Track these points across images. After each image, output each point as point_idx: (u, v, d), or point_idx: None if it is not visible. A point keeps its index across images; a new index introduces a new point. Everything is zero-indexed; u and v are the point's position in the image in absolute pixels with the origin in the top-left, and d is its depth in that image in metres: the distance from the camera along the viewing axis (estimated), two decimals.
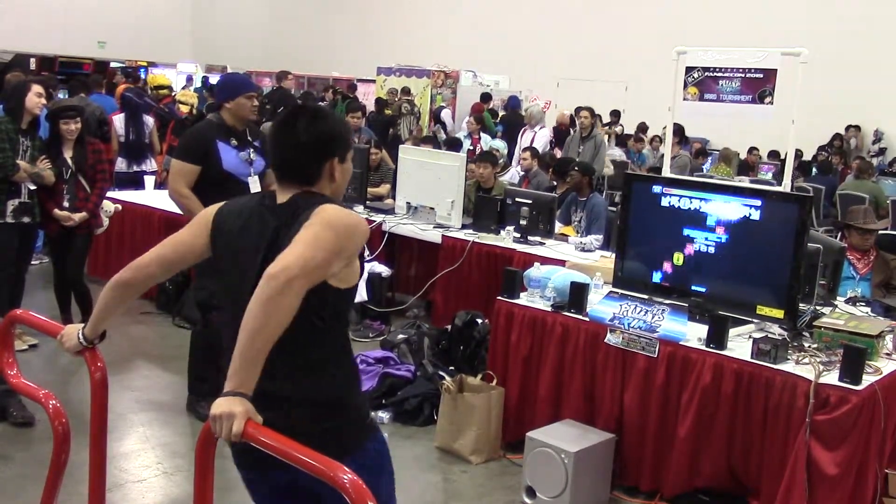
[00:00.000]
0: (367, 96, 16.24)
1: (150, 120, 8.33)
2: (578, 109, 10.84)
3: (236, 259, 2.21)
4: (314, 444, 1.89)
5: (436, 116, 14.96)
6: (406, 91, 14.43)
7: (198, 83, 16.98)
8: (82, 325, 2.42)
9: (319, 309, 2.10)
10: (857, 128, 15.87)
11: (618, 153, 12.93)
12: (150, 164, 8.15)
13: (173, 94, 11.25)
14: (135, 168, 7.99)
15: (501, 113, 14.73)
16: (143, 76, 16.84)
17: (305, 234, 2.02)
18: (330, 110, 2.43)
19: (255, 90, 4.69)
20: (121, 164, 7.98)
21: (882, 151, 15.67)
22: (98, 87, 10.08)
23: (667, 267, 4.39)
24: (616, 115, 15.77)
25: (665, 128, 10.20)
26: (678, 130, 9.27)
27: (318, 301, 2.07)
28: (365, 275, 6.39)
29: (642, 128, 14.85)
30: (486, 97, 14.79)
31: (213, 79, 16.74)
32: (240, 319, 2.04)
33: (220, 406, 1.89)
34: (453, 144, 10.46)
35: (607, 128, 14.61)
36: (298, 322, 1.99)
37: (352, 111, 9.93)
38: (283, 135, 2.24)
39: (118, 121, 8.07)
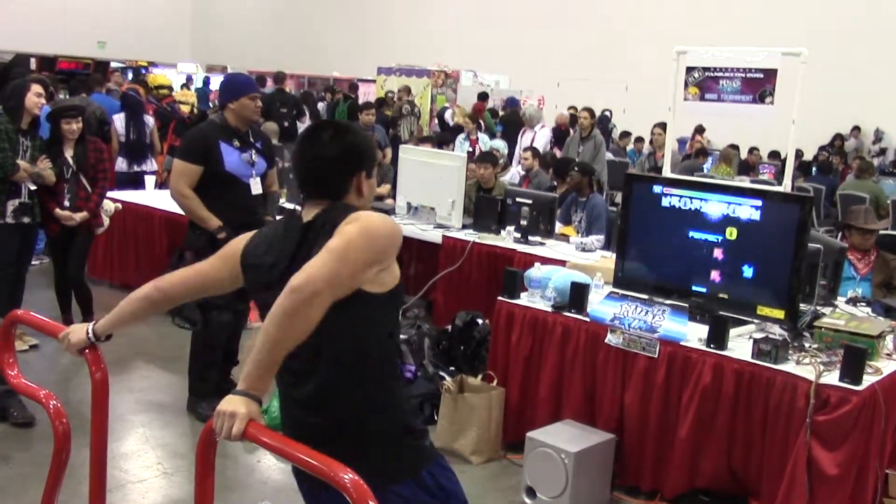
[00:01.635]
0: (367, 96, 16.23)
1: (150, 120, 8.33)
2: (578, 110, 10.85)
3: (268, 283, 2.12)
4: (362, 472, 1.76)
5: (439, 116, 14.96)
6: (407, 91, 14.44)
7: (199, 83, 16.98)
8: (88, 324, 2.43)
9: (349, 316, 2.00)
10: (858, 128, 15.89)
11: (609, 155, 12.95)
12: (151, 164, 8.16)
13: (173, 93, 11.26)
14: (135, 168, 7.99)
15: (501, 113, 14.73)
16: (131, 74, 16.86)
17: (337, 242, 1.94)
18: (354, 124, 2.39)
19: (258, 91, 4.69)
20: (121, 164, 7.99)
21: (883, 151, 15.69)
22: (98, 87, 10.09)
23: (667, 267, 4.39)
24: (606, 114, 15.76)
25: (654, 128, 10.26)
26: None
27: (351, 309, 1.98)
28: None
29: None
30: (483, 96, 14.79)
31: (214, 79, 16.77)
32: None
33: (227, 403, 1.89)
34: (444, 140, 10.45)
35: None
36: (330, 334, 1.95)
37: (366, 109, 9.95)
38: (309, 150, 2.17)
39: (119, 120, 8.07)
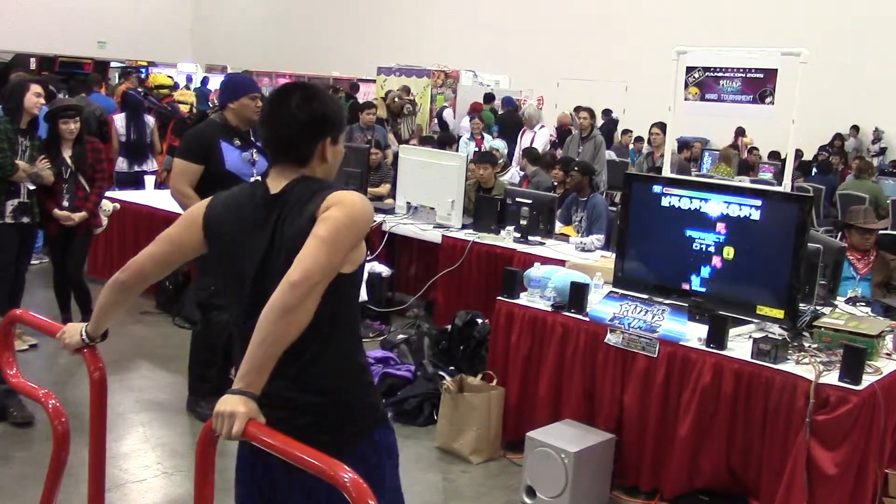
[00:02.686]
0: (367, 96, 16.23)
1: (150, 120, 8.32)
2: (578, 109, 10.85)
3: (235, 255, 2.16)
4: (320, 432, 1.88)
5: (438, 116, 14.96)
6: (406, 91, 14.43)
7: (197, 83, 16.98)
8: (84, 323, 2.42)
9: (327, 296, 2.00)
10: (856, 128, 15.89)
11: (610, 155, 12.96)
12: (151, 164, 8.16)
13: (173, 93, 11.27)
14: (135, 168, 7.99)
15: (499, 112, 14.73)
16: (142, 75, 16.83)
17: (327, 230, 1.96)
18: (323, 89, 2.38)
19: (259, 91, 4.69)
20: (121, 164, 7.99)
21: (882, 151, 15.69)
22: (98, 87, 10.09)
23: (667, 267, 4.39)
24: (607, 113, 15.77)
25: (652, 128, 10.25)
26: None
27: (328, 290, 1.99)
28: (365, 275, 6.44)
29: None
30: (489, 97, 14.73)
31: (214, 79, 16.77)
32: (241, 315, 2.07)
33: (224, 403, 1.89)
34: (446, 141, 10.46)
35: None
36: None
37: (367, 108, 9.95)
38: (277, 112, 2.18)
39: (119, 120, 8.07)
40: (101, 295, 2.33)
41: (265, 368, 1.91)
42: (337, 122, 2.22)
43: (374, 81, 16.94)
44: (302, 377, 2.10)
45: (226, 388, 1.96)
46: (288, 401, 2.10)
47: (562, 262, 5.18)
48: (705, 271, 4.26)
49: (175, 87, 12.99)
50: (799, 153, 12.23)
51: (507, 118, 13.32)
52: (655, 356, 3.91)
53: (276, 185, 2.15)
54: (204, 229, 2.21)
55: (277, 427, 1.91)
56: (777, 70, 5.06)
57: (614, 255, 4.80)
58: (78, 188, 5.50)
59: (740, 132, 15.38)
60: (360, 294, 2.30)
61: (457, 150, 10.28)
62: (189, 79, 18.89)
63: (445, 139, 10.70)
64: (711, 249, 4.22)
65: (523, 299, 4.47)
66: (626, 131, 15.01)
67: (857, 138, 16.09)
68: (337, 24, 23.31)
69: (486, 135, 11.63)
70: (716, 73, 5.30)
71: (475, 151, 10.09)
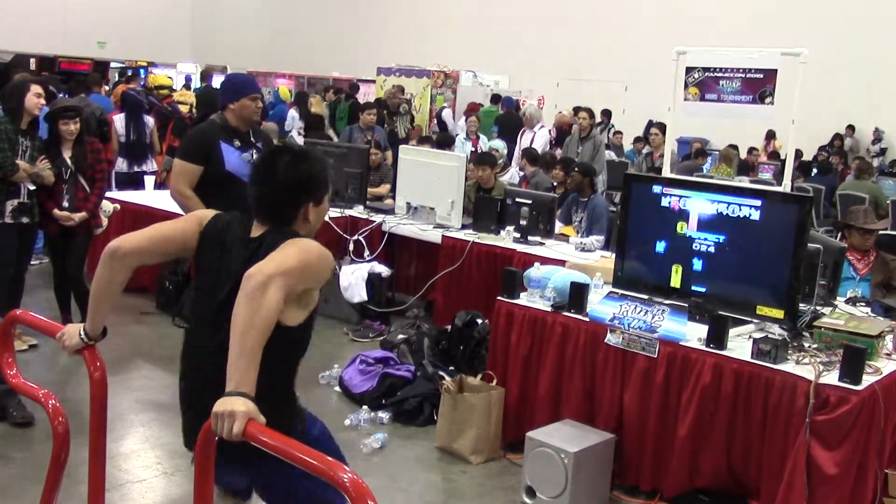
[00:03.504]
0: (367, 96, 16.23)
1: (150, 120, 8.32)
2: (577, 110, 10.85)
3: (210, 275, 2.31)
4: None
5: (437, 117, 14.95)
6: (401, 90, 14.42)
7: (197, 83, 16.95)
8: (82, 324, 2.43)
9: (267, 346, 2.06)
10: (852, 127, 15.87)
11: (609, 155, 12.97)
12: (151, 165, 8.15)
13: (173, 94, 11.26)
14: (135, 168, 7.98)
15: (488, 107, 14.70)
16: (141, 76, 16.83)
17: (277, 252, 2.13)
18: (311, 150, 2.51)
19: (259, 91, 4.69)
20: (121, 165, 7.98)
21: (883, 152, 15.68)
22: (97, 87, 10.08)
23: (666, 267, 4.39)
24: (607, 114, 15.76)
25: (651, 128, 10.27)
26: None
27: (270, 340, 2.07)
28: (365, 275, 6.46)
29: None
30: (496, 99, 14.67)
31: (215, 79, 16.72)
32: (202, 329, 2.26)
33: (223, 404, 1.90)
34: (444, 142, 10.45)
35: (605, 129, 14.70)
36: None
37: (367, 108, 9.97)
38: (263, 174, 2.31)
39: (118, 120, 8.06)
40: (96, 274, 2.38)
41: (248, 363, 1.96)
42: (321, 185, 2.35)
43: (373, 81, 16.94)
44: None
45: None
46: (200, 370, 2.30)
47: (562, 263, 5.18)
48: (705, 271, 4.26)
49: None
50: (799, 153, 12.22)
51: (506, 118, 13.32)
52: (655, 356, 3.91)
53: (257, 229, 2.32)
54: (200, 237, 2.36)
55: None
56: (777, 70, 5.06)
57: (614, 256, 4.80)
58: (78, 188, 5.50)
59: (771, 135, 15.34)
60: (301, 356, 2.39)
61: (453, 150, 10.27)
62: (188, 79, 18.85)
63: (443, 140, 10.70)
64: (712, 249, 4.23)
65: (523, 299, 4.47)
66: (617, 132, 15.01)
67: (854, 138, 16.08)
68: (337, 24, 23.30)
69: (482, 135, 11.63)
70: (715, 74, 5.30)
71: (472, 151, 10.08)
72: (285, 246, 2.16)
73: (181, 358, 2.42)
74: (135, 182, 7.76)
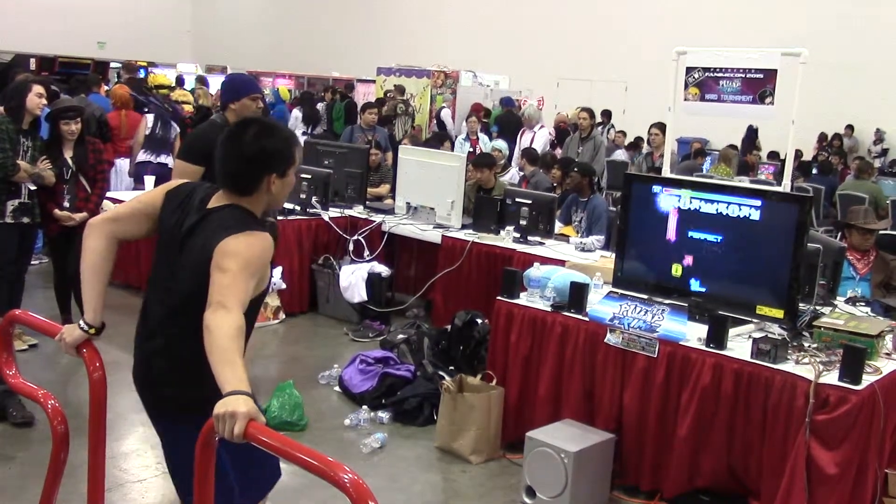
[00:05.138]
0: (367, 96, 16.22)
1: (176, 128, 8.32)
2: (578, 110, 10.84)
3: (165, 238, 2.43)
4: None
5: (437, 117, 14.93)
6: (401, 90, 14.38)
7: (190, 84, 16.90)
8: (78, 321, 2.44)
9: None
10: (851, 127, 15.87)
11: (622, 155, 12.96)
12: (169, 159, 8.11)
13: (172, 93, 11.25)
14: (159, 159, 7.95)
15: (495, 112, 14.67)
16: (141, 75, 16.76)
17: (220, 277, 2.17)
18: (279, 124, 2.56)
19: (260, 91, 4.69)
20: (144, 156, 7.98)
21: (884, 152, 15.68)
22: (97, 87, 10.08)
23: (666, 267, 4.39)
24: (607, 115, 15.75)
25: (651, 128, 10.26)
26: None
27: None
28: (365, 274, 6.46)
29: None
30: (508, 101, 14.54)
31: (214, 79, 16.71)
32: (157, 289, 2.46)
33: (224, 405, 1.90)
34: (440, 139, 10.43)
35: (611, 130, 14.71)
36: (198, 312, 2.13)
37: (368, 108, 9.97)
38: (230, 146, 2.37)
39: (149, 118, 8.11)
40: (82, 254, 2.44)
41: (232, 366, 2.02)
42: (286, 159, 2.40)
43: (373, 81, 16.93)
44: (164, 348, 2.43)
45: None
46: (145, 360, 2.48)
47: (562, 263, 5.18)
48: (705, 271, 4.26)
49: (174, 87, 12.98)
50: (799, 153, 12.22)
51: (506, 118, 13.30)
52: (655, 356, 3.91)
53: (217, 200, 2.39)
54: (163, 199, 2.46)
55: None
56: (777, 70, 5.06)
57: (614, 255, 4.80)
58: (79, 189, 5.51)
59: (822, 138, 15.29)
60: (249, 330, 2.48)
61: (451, 150, 10.26)
62: (181, 80, 18.75)
63: (439, 137, 10.68)
64: (711, 249, 4.22)
65: (523, 299, 4.47)
66: (619, 132, 15.01)
67: (853, 138, 16.08)
68: (337, 24, 23.30)
69: (482, 135, 11.61)
70: (716, 74, 5.30)
71: (469, 152, 10.08)
72: (223, 250, 2.20)
73: (139, 317, 2.53)
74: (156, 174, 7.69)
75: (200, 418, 2.06)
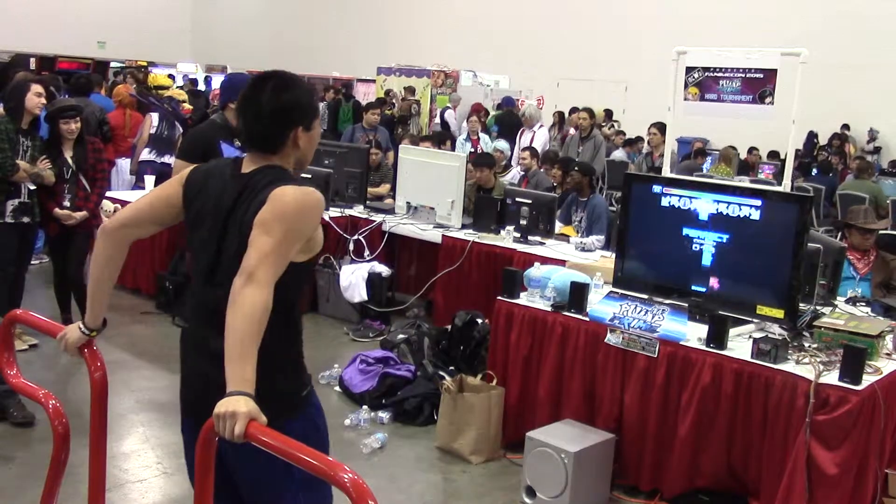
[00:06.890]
0: (367, 96, 16.22)
1: (180, 129, 8.33)
2: (573, 110, 10.85)
3: (201, 218, 2.28)
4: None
5: (440, 116, 14.93)
6: (412, 91, 14.37)
7: (179, 81, 16.87)
8: (79, 322, 2.43)
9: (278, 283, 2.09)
10: (847, 126, 15.87)
11: (620, 154, 12.94)
12: (172, 160, 8.11)
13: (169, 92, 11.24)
14: (163, 159, 7.96)
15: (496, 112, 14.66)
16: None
17: (262, 241, 2.05)
18: (295, 76, 2.40)
19: None
20: (148, 155, 7.98)
21: (877, 151, 15.68)
22: (98, 87, 10.08)
23: (666, 266, 4.39)
24: (608, 115, 15.74)
25: (650, 128, 10.27)
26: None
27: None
28: (365, 274, 6.46)
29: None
30: (508, 101, 14.53)
31: (215, 78, 16.73)
32: (200, 280, 2.24)
33: (224, 405, 1.89)
34: (441, 138, 10.42)
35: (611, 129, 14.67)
36: None
37: (370, 108, 9.95)
38: (249, 104, 2.27)
39: (154, 117, 8.11)
40: (93, 257, 2.38)
41: (244, 364, 1.95)
42: (309, 111, 2.31)
43: (373, 81, 16.94)
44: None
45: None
46: (205, 374, 2.20)
47: (562, 262, 5.18)
48: (705, 271, 4.26)
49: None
50: (798, 153, 12.23)
51: (505, 118, 13.30)
52: (655, 356, 3.91)
53: (248, 165, 2.28)
54: (183, 190, 2.33)
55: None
56: (777, 70, 5.06)
57: (614, 255, 4.80)
58: (79, 188, 5.51)
59: (812, 136, 15.28)
60: (303, 286, 2.39)
61: (452, 149, 10.26)
62: (172, 78, 18.68)
63: (441, 136, 10.68)
64: (712, 249, 4.23)
65: (523, 299, 4.47)
66: (619, 132, 15.00)
67: (850, 136, 16.07)
68: (337, 24, 23.30)
69: (482, 135, 11.61)
70: (715, 74, 5.30)
71: (471, 152, 10.08)
72: (267, 222, 2.08)
73: (191, 321, 2.37)
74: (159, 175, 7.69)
75: (288, 419, 2.11)
